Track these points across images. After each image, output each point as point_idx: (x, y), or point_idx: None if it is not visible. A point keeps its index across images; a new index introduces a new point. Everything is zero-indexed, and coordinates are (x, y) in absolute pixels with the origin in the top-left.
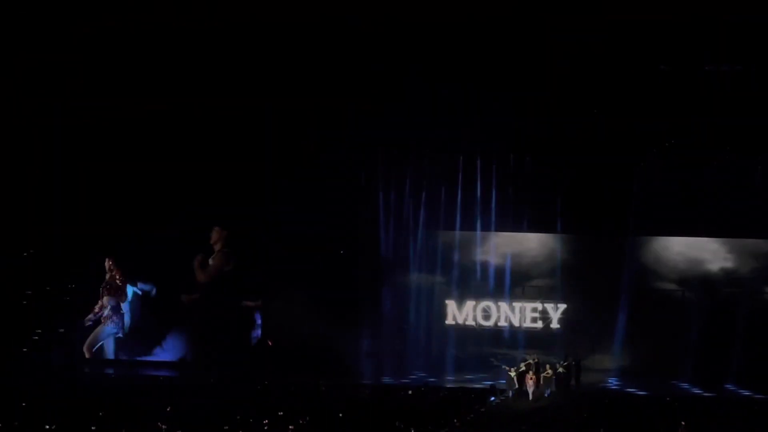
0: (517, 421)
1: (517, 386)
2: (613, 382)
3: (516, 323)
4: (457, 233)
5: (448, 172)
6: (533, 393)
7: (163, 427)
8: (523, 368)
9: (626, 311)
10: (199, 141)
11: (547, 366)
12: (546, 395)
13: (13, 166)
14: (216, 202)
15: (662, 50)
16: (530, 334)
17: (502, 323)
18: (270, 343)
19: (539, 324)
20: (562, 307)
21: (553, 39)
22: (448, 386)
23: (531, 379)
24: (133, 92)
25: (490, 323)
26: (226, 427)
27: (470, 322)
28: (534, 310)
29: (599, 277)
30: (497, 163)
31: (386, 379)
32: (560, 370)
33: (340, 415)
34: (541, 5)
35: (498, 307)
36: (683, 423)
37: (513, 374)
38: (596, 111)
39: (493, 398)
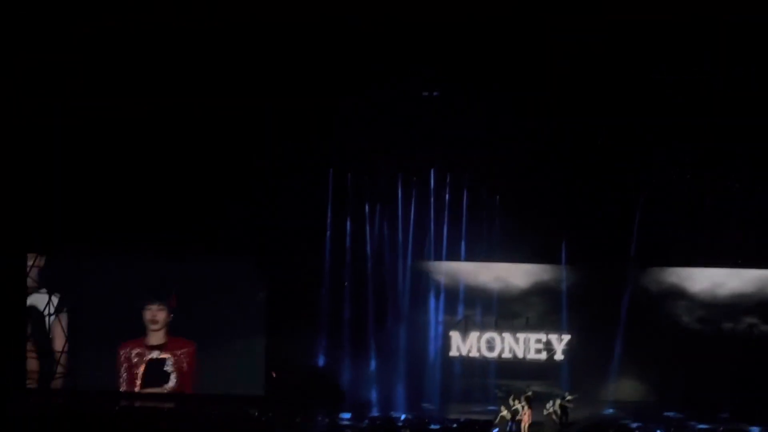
0: None
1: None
2: (610, 412)
3: (520, 354)
4: (459, 264)
5: (448, 203)
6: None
7: None
8: (517, 406)
9: (630, 342)
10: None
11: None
12: None
13: (13, 166)
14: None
15: (664, 52)
16: (534, 365)
17: (506, 355)
18: (274, 375)
19: (543, 355)
20: (566, 338)
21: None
22: (453, 417)
23: (526, 414)
24: (134, 92)
25: (494, 354)
26: None
27: (474, 353)
28: (538, 341)
29: (603, 308)
30: (500, 194)
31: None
32: (555, 408)
33: None
34: (536, 7)
35: (502, 339)
36: None
37: (506, 414)
38: (600, 141)
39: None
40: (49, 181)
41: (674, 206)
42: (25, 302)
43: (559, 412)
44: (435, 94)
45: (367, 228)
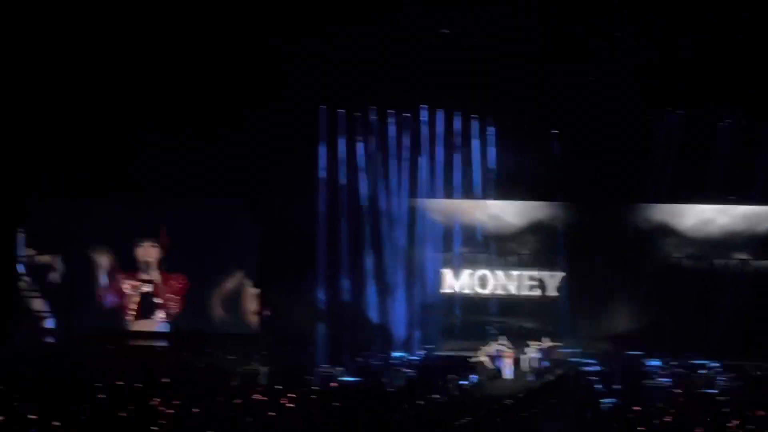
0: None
1: (492, 369)
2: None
3: (513, 291)
4: (455, 201)
5: (444, 137)
6: (511, 374)
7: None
8: (495, 349)
9: (623, 279)
10: None
11: (530, 347)
12: (529, 379)
13: None
14: None
15: None
16: (528, 302)
17: (499, 291)
18: (267, 314)
19: (537, 292)
20: (560, 275)
21: None
22: (445, 354)
23: (508, 358)
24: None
25: (487, 292)
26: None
27: (467, 290)
28: (531, 278)
29: (597, 245)
30: (497, 127)
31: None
32: (535, 350)
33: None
34: None
35: (495, 276)
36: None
37: (483, 358)
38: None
39: (464, 382)
40: (37, 125)
41: (667, 143)
42: (17, 244)
43: (538, 354)
44: (445, 31)
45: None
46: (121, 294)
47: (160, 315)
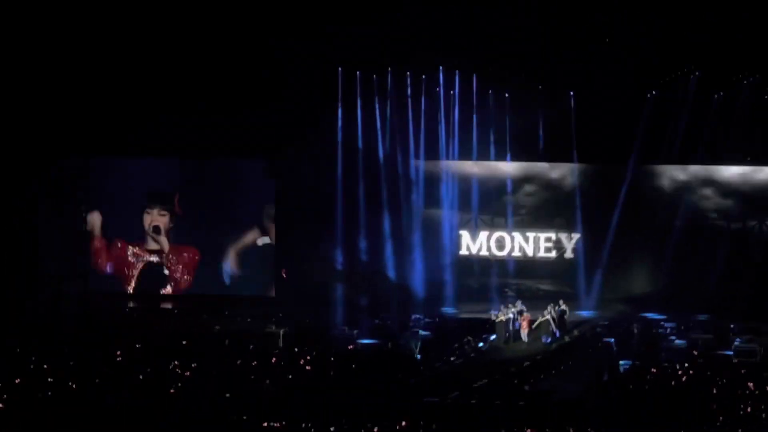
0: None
1: (508, 333)
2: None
3: (530, 253)
4: (470, 163)
5: (460, 99)
6: (528, 337)
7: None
8: (512, 313)
9: (640, 241)
10: None
11: (547, 310)
12: (546, 342)
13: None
14: None
15: None
16: (544, 264)
17: (516, 253)
18: (284, 275)
19: (553, 254)
20: (576, 236)
21: None
22: (462, 316)
23: (525, 321)
24: None
25: (504, 253)
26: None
27: (484, 252)
28: (548, 240)
29: (613, 207)
30: (513, 89)
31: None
32: (552, 314)
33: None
34: None
35: (512, 238)
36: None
37: (502, 318)
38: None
39: (481, 344)
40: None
41: (683, 105)
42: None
43: (556, 317)
44: None
45: (378, 126)
46: (127, 265)
47: (164, 289)
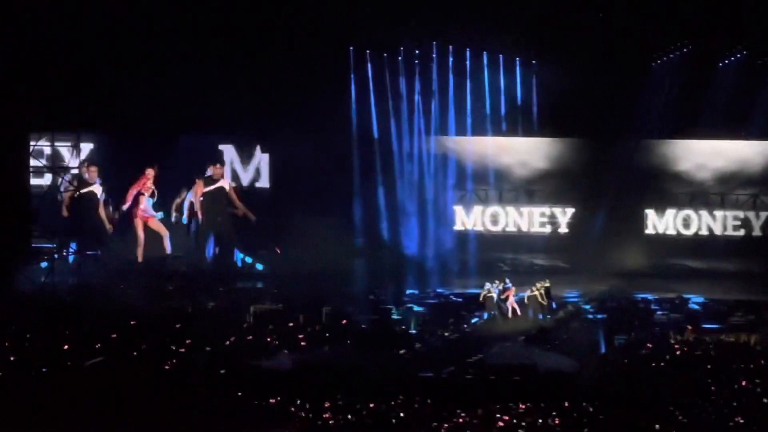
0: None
1: (502, 306)
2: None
3: (524, 228)
4: (465, 138)
5: (453, 76)
6: (515, 312)
7: None
8: (496, 289)
9: (636, 217)
10: None
11: (536, 286)
12: (540, 318)
13: None
14: None
15: None
16: (539, 238)
17: (510, 228)
18: (278, 251)
19: (547, 229)
20: (571, 211)
21: None
22: (456, 291)
23: (509, 294)
24: None
25: (498, 229)
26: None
27: (479, 228)
28: (542, 215)
29: (608, 182)
30: (504, 66)
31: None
32: (539, 290)
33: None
34: None
35: (506, 213)
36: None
37: (490, 295)
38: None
39: (475, 320)
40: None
41: (681, 79)
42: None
43: (543, 293)
44: None
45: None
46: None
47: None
